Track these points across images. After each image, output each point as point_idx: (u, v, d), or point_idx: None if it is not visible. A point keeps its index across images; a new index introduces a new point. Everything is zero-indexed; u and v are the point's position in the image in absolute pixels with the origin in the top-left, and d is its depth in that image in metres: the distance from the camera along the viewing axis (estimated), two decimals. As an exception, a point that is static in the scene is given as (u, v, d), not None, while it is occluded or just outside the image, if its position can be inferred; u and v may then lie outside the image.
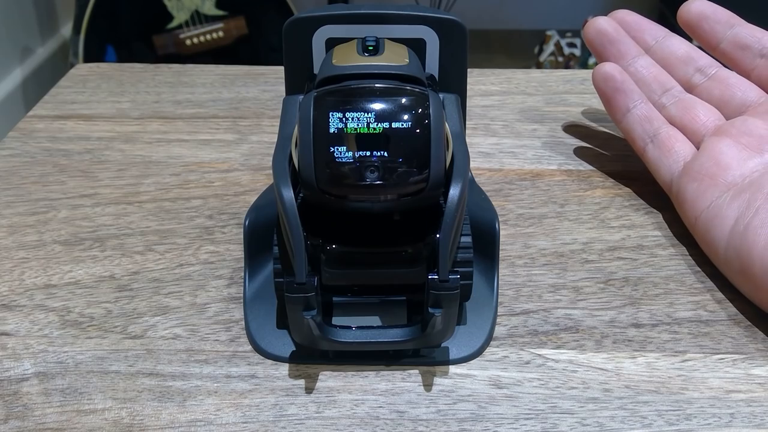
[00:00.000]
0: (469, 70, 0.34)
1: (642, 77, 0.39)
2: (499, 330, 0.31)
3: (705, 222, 0.33)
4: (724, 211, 0.33)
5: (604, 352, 0.30)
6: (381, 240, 0.27)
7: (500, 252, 0.33)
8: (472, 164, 0.41)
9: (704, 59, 0.39)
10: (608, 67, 0.39)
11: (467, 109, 0.35)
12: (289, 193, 0.26)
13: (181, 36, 1.45)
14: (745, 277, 0.31)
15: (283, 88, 0.34)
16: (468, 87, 0.34)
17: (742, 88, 0.38)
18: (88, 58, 1.39)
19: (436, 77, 0.33)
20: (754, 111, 0.37)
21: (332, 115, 0.26)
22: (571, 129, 0.46)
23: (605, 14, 0.41)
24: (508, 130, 0.46)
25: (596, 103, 0.48)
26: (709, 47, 0.39)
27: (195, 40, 1.46)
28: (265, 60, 1.47)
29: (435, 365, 0.29)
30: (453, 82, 0.33)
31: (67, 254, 0.35)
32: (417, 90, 0.27)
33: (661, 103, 0.39)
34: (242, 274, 0.33)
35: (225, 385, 0.28)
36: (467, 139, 0.30)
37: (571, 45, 1.69)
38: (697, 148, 0.37)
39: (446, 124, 0.27)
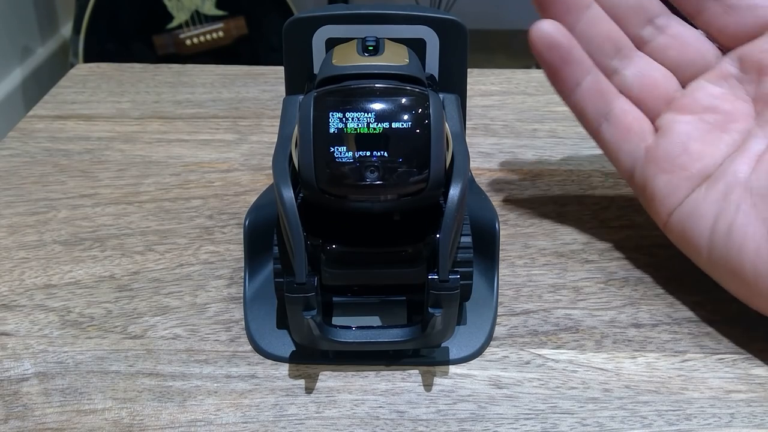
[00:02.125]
0: (469, 70, 0.34)
1: (592, 36, 0.33)
2: (499, 330, 0.31)
3: (680, 220, 0.31)
4: (700, 206, 0.30)
5: (604, 352, 0.30)
6: (381, 240, 0.27)
7: (500, 252, 0.33)
8: (472, 164, 0.41)
9: (655, 4, 0.33)
10: (550, 29, 0.32)
11: (467, 109, 0.35)
12: (289, 193, 0.26)
13: (181, 36, 1.45)
14: (735, 281, 0.30)
15: (283, 88, 0.34)
16: (468, 87, 0.34)
17: (701, 48, 0.32)
18: (88, 58, 1.39)
19: (436, 77, 0.33)
20: (711, 75, 0.32)
21: (332, 115, 0.26)
22: (571, 129, 0.46)
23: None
24: (508, 130, 0.46)
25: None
26: None
27: (195, 40, 1.46)
28: (265, 60, 1.47)
29: (435, 365, 0.29)
30: (453, 82, 0.33)
31: (67, 254, 0.35)
32: (417, 90, 0.27)
33: (612, 68, 0.33)
34: (242, 274, 0.33)
35: (225, 385, 0.28)
36: (467, 139, 0.30)
37: (571, 45, 1.69)
38: (653, 122, 0.33)
39: (446, 124, 0.27)
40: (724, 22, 0.32)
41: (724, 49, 0.33)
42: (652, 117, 0.33)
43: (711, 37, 0.33)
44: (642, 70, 0.33)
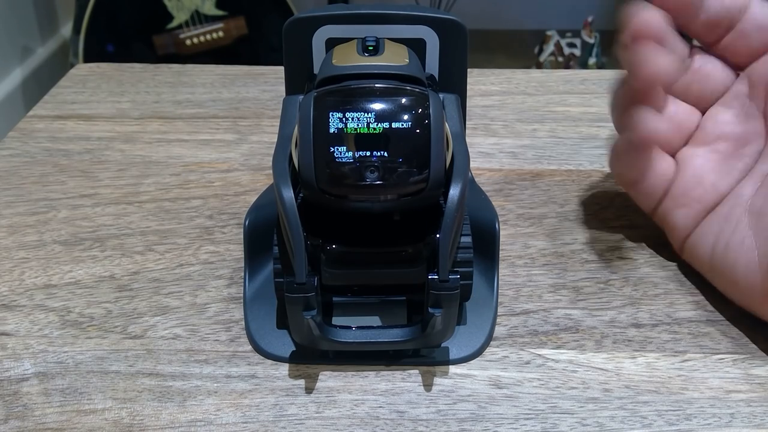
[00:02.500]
0: (469, 70, 0.34)
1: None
2: (499, 330, 0.31)
3: (692, 243, 0.33)
4: (706, 226, 0.32)
5: (604, 352, 0.30)
6: (381, 240, 0.27)
7: (500, 252, 0.33)
8: (472, 164, 0.41)
9: (680, 45, 0.33)
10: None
11: (467, 109, 0.35)
12: (289, 193, 0.26)
13: (181, 36, 1.45)
14: (736, 292, 0.31)
15: (283, 88, 0.34)
16: (468, 87, 0.34)
17: (720, 75, 0.34)
18: (88, 58, 1.39)
19: (436, 77, 0.33)
20: (726, 97, 0.33)
21: (332, 115, 0.26)
22: (571, 129, 0.46)
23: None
24: (508, 130, 0.46)
25: (597, 103, 0.48)
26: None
27: (195, 40, 1.46)
28: (265, 60, 1.47)
29: (435, 365, 0.29)
30: (453, 82, 0.33)
31: (67, 254, 0.35)
32: (417, 90, 0.27)
33: None
34: (242, 274, 0.33)
35: (225, 385, 0.28)
36: (467, 139, 0.30)
37: (571, 45, 1.69)
38: (673, 156, 0.34)
39: (446, 124, 0.27)
40: (737, 46, 0.33)
41: (739, 72, 0.34)
42: (673, 153, 0.34)
43: (727, 62, 0.34)
44: (669, 114, 0.34)
